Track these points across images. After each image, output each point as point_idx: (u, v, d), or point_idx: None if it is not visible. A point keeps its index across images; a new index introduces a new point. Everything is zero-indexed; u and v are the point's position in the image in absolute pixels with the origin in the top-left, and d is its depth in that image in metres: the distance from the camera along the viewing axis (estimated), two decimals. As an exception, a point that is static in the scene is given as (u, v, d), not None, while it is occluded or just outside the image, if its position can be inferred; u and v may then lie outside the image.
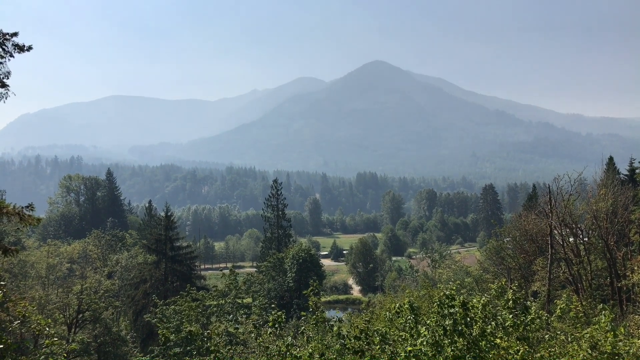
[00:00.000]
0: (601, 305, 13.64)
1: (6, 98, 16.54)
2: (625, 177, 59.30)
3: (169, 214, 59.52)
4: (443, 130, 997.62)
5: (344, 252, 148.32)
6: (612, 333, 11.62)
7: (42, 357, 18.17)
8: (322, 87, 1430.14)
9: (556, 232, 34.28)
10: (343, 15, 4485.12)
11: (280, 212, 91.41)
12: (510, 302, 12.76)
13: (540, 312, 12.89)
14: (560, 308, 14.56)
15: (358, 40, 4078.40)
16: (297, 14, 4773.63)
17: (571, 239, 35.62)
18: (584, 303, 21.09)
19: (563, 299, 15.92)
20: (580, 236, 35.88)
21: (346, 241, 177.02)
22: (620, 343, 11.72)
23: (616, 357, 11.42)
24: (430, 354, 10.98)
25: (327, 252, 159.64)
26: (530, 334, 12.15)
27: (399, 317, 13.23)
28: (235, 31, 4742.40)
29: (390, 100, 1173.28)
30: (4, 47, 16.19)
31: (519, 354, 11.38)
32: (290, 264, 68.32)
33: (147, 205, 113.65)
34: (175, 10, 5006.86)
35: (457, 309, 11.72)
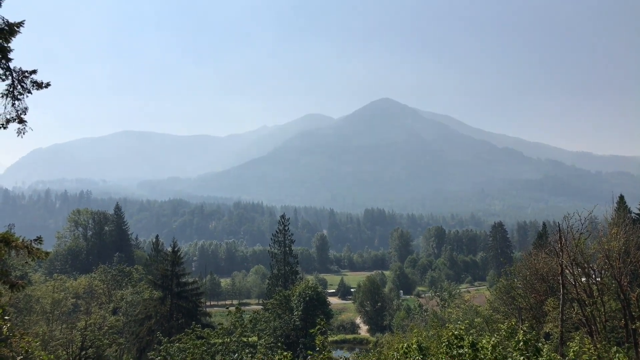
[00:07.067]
0: (615, 348, 13.30)
1: (24, 133, 16.97)
2: (637, 216, 58.67)
3: (175, 249, 59.42)
4: (451, 167, 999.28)
5: (352, 290, 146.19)
6: (627, 377, 11.28)
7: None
8: (330, 124, 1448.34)
9: (567, 271, 33.66)
10: (351, 53, 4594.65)
11: (287, 248, 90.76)
12: (522, 343, 12.47)
13: (553, 354, 12.55)
14: (573, 351, 14.17)
15: (366, 78, 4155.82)
16: (305, 53, 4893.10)
17: (583, 279, 34.92)
18: (598, 345, 20.54)
19: (576, 341, 15.53)
20: (593, 276, 35.16)
21: (354, 279, 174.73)
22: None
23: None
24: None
25: (334, 290, 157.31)
26: (543, 377, 11.81)
27: (407, 357, 12.97)
28: (245, 69, 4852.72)
29: (398, 136, 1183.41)
30: (23, 84, 16.73)
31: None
32: (296, 301, 67.28)
33: (154, 240, 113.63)
34: (185, 47, 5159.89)
35: (466, 350, 11.49)
